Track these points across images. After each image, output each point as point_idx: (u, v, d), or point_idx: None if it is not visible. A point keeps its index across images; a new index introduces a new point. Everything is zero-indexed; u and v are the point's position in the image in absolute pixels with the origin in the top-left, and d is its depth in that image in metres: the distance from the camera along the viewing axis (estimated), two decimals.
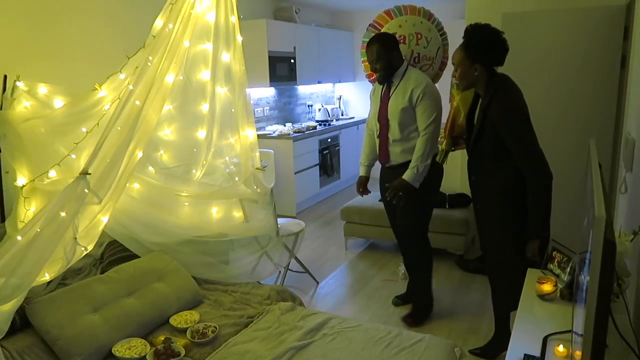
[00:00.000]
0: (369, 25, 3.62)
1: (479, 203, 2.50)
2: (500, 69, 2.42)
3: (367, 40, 3.61)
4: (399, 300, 3.48)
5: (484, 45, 2.25)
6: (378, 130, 3.06)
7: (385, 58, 2.93)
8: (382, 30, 3.53)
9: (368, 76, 3.58)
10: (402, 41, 3.25)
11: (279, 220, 3.23)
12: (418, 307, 3.24)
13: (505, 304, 2.58)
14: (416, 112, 2.91)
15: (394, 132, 2.98)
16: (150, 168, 2.57)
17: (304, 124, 6.16)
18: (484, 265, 2.67)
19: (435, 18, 3.59)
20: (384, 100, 3.02)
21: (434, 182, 3.03)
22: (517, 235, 2.33)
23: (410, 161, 2.92)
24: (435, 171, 2.99)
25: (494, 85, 2.28)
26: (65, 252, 1.98)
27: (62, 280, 2.46)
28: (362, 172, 3.29)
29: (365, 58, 3.63)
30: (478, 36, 2.25)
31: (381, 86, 3.07)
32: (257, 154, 2.77)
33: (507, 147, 2.25)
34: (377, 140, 3.10)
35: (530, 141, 2.23)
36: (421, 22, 3.46)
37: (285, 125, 6.03)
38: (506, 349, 1.58)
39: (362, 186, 3.28)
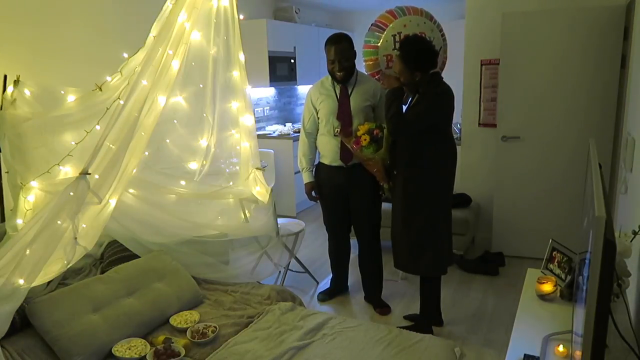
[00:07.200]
0: (372, 24, 3.60)
1: (397, 170, 2.86)
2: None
3: (370, 39, 3.61)
4: (326, 296, 3.52)
5: (423, 55, 2.66)
6: (337, 129, 3.08)
7: (353, 57, 3.05)
8: (386, 30, 3.53)
9: (371, 75, 3.57)
10: None
11: (279, 220, 3.23)
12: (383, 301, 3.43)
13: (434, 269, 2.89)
14: (379, 110, 3.08)
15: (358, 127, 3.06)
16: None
17: None
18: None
19: (436, 20, 3.60)
20: (343, 100, 3.06)
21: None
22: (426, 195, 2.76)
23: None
24: None
25: (435, 79, 2.71)
26: (65, 252, 1.98)
27: (62, 280, 2.46)
28: (309, 178, 3.28)
29: (366, 57, 3.63)
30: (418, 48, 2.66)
31: (331, 88, 3.10)
32: (256, 142, 2.73)
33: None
34: (333, 140, 3.11)
35: (422, 119, 2.65)
36: (424, 23, 3.47)
37: (285, 125, 6.02)
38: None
39: (315, 191, 3.30)
